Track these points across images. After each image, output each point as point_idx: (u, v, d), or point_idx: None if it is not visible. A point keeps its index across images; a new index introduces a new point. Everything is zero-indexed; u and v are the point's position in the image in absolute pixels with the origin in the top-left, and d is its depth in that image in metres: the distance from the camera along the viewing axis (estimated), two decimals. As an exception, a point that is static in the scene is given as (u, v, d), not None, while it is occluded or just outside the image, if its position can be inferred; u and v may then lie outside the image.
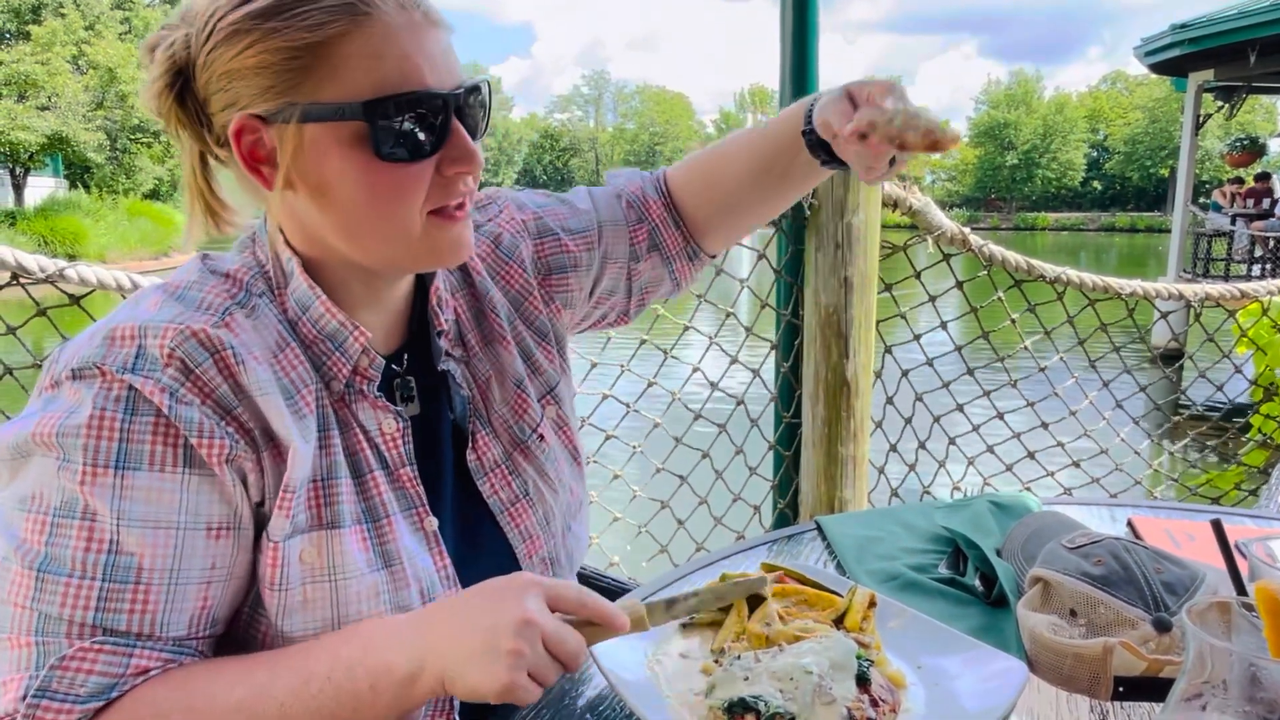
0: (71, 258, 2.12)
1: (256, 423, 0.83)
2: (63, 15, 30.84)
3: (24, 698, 0.73)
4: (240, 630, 0.90)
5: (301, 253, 0.91)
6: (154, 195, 37.24)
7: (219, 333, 0.82)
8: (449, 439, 1.02)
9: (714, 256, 1.29)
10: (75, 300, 2.16)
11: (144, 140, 34.14)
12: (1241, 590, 0.79)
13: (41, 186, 31.04)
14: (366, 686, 0.78)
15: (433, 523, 0.96)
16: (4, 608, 0.76)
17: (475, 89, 0.87)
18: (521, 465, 1.06)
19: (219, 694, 0.78)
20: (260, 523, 0.86)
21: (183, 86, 0.86)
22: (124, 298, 2.14)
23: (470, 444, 1.03)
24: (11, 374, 2.16)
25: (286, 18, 0.80)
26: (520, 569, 1.04)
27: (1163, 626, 0.94)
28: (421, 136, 0.83)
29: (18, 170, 29.07)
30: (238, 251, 0.94)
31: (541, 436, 1.08)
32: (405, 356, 1.00)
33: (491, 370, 1.06)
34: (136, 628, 0.78)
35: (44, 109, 28.27)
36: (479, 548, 1.02)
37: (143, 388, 0.78)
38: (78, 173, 32.96)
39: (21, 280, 2.05)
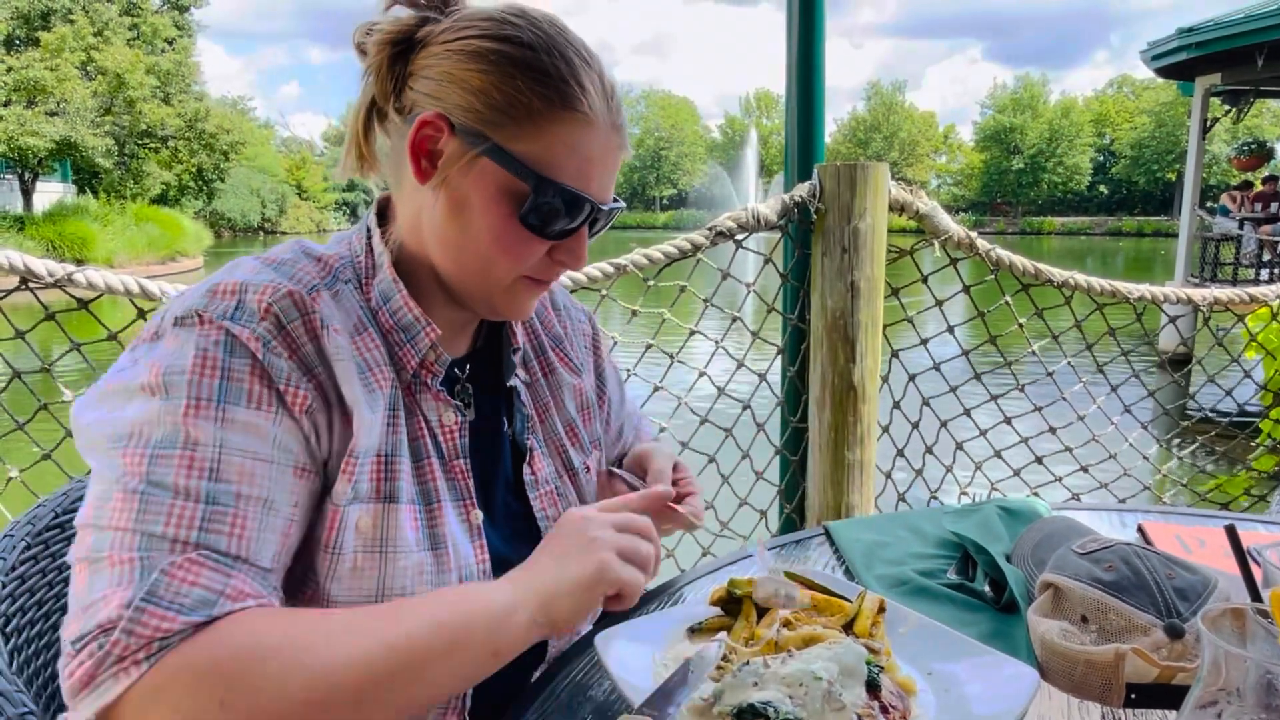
0: (79, 262, 2.13)
1: (331, 386, 0.89)
2: (72, 21, 31.01)
3: (128, 605, 0.73)
4: (290, 590, 0.91)
5: (400, 246, 0.98)
6: (161, 200, 37.46)
7: (310, 298, 0.89)
8: (508, 451, 1.09)
9: None
10: (83, 304, 2.16)
11: (151, 145, 34.32)
12: (1256, 596, 0.78)
13: (50, 192, 31.22)
14: (467, 622, 0.81)
15: (478, 515, 1.00)
16: (104, 533, 0.77)
17: (612, 212, 0.99)
18: (568, 490, 1.14)
19: (319, 626, 0.78)
20: (323, 483, 0.90)
21: (404, 50, 0.94)
22: (132, 302, 2.14)
23: (528, 459, 1.10)
24: (20, 378, 2.16)
25: (528, 75, 0.89)
26: None
27: (1175, 633, 0.93)
28: (557, 223, 0.93)
29: (26, 175, 29.23)
30: (336, 242, 1.01)
31: (588, 469, 1.17)
32: (467, 366, 1.06)
33: (551, 399, 1.16)
34: (235, 550, 0.79)
35: (53, 114, 28.45)
36: (520, 555, 1.05)
37: (240, 334, 0.84)
38: (86, 178, 33.13)
39: (30, 285, 2.06)
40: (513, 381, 1.10)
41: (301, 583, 0.91)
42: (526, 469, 1.09)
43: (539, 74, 0.89)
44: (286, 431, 0.85)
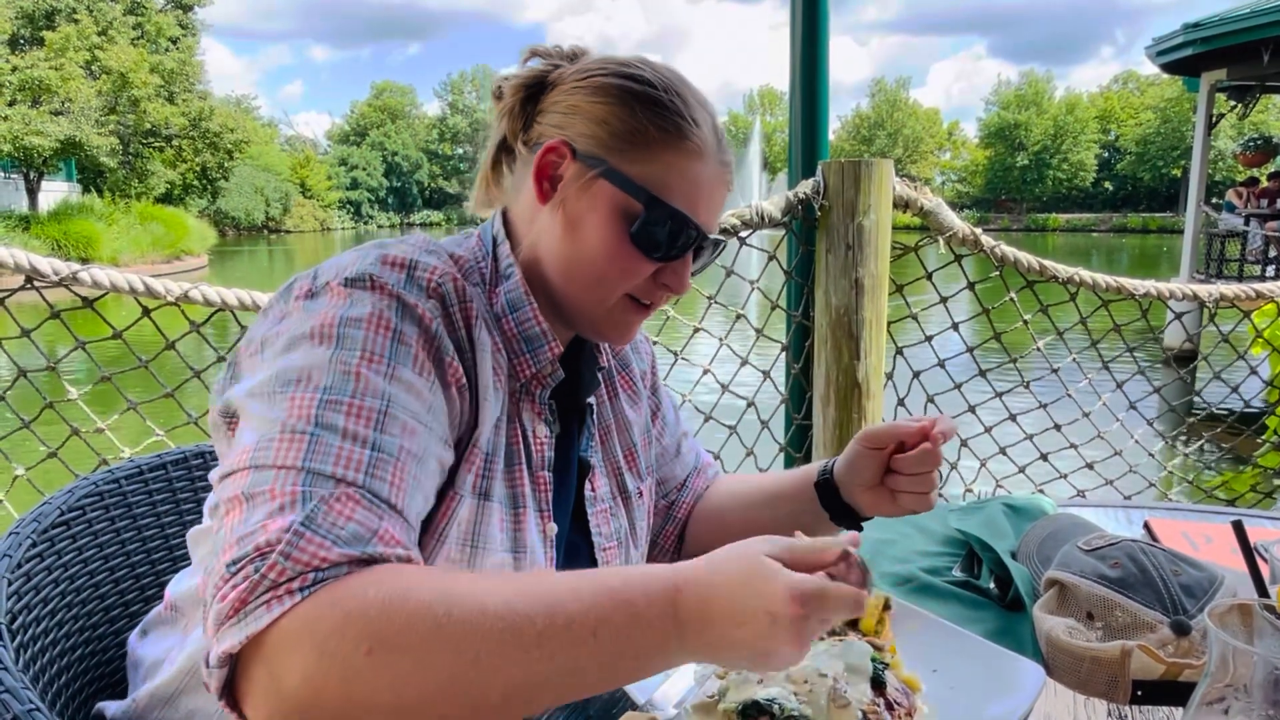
0: (84, 261, 2.13)
1: (474, 373, 0.92)
2: (76, 21, 31.07)
3: (288, 529, 0.71)
4: None
5: (522, 262, 1.02)
6: (166, 199, 37.56)
7: (469, 287, 0.93)
8: (575, 467, 1.11)
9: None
10: (88, 303, 2.17)
11: (156, 144, 34.40)
12: (1264, 592, 0.78)
13: (55, 191, 31.30)
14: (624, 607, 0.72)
15: (553, 528, 1.02)
16: (265, 471, 0.75)
17: (717, 243, 1.04)
18: (621, 511, 1.16)
19: (471, 588, 0.73)
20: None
21: (535, 94, 1.03)
22: (137, 300, 2.15)
23: (589, 475, 1.12)
24: (25, 376, 2.17)
25: (646, 107, 0.96)
26: None
27: (1181, 630, 0.93)
28: (665, 244, 0.97)
29: (32, 175, 29.30)
30: (455, 245, 1.03)
31: (641, 494, 1.19)
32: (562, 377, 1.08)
33: (614, 421, 1.18)
34: (393, 499, 0.78)
35: (57, 114, 28.50)
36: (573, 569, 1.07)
37: (412, 304, 0.87)
38: (91, 177, 33.22)
39: (35, 283, 2.06)
40: (591, 399, 1.13)
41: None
42: (587, 485, 1.11)
43: (657, 106, 0.96)
44: (441, 402, 0.87)
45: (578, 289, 1.00)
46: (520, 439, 1.00)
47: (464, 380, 0.90)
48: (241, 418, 0.84)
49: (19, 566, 1.01)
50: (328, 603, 0.69)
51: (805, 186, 2.53)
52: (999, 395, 2.96)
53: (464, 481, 0.92)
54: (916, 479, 1.07)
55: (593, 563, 1.10)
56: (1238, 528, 0.75)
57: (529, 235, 1.02)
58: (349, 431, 0.78)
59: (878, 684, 0.84)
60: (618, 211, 0.96)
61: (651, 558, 1.29)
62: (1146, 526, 1.40)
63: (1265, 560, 0.86)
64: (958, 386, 2.92)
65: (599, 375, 1.16)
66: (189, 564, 1.05)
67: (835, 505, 1.16)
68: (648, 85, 0.97)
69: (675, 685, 0.92)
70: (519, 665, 0.69)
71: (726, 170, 1.02)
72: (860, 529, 1.19)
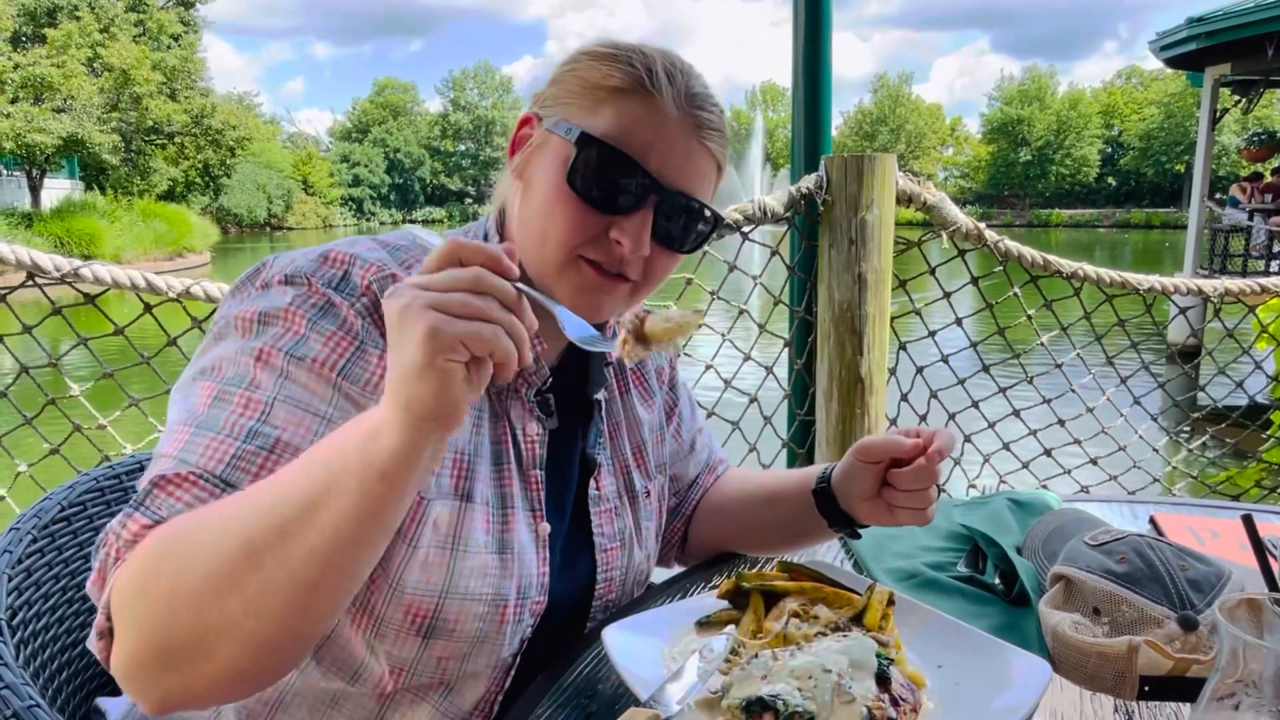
0: (87, 259, 2.12)
1: None
2: (78, 18, 31.06)
3: (128, 513, 0.80)
4: None
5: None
6: (168, 196, 37.58)
7: None
8: (577, 465, 1.10)
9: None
10: (90, 299, 2.17)
11: (158, 142, 34.40)
12: (1274, 587, 0.77)
13: (58, 188, 31.30)
14: (342, 449, 0.73)
15: (546, 528, 1.01)
16: (158, 460, 0.82)
17: (688, 203, 0.94)
18: (626, 511, 1.14)
19: (221, 504, 0.79)
20: None
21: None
22: (139, 296, 2.14)
23: (595, 474, 1.11)
24: (28, 372, 2.17)
25: (603, 63, 0.94)
26: (593, 601, 1.10)
27: (1189, 625, 0.92)
28: (607, 192, 0.91)
29: (34, 172, 29.31)
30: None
31: (648, 494, 1.18)
32: (548, 379, 1.05)
33: (624, 418, 1.17)
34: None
35: (60, 111, 28.50)
36: (572, 569, 1.07)
37: (338, 303, 0.88)
38: (93, 174, 33.23)
39: (37, 280, 2.06)
40: (598, 395, 1.11)
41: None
42: (592, 483, 1.10)
43: (612, 61, 0.94)
44: (346, 397, 0.86)
45: (533, 255, 0.95)
46: (509, 438, 0.99)
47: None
48: (169, 405, 0.89)
49: (19, 562, 1.00)
50: (124, 568, 0.77)
51: (808, 181, 2.52)
52: (1002, 390, 2.95)
53: (435, 485, 0.91)
54: (912, 495, 1.06)
55: (594, 564, 1.09)
56: (1248, 522, 0.74)
57: (507, 209, 1.02)
58: (228, 423, 0.82)
59: (883, 680, 0.83)
60: (558, 159, 0.93)
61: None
62: (1153, 521, 1.39)
63: (1275, 557, 0.85)
64: (961, 382, 2.91)
65: (608, 371, 1.14)
66: None
67: (833, 513, 1.15)
68: (609, 47, 0.97)
69: (679, 682, 0.92)
70: (263, 530, 0.72)
71: (691, 117, 0.94)
72: (859, 536, 1.19)
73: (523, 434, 1.00)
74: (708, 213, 0.96)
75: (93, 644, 0.78)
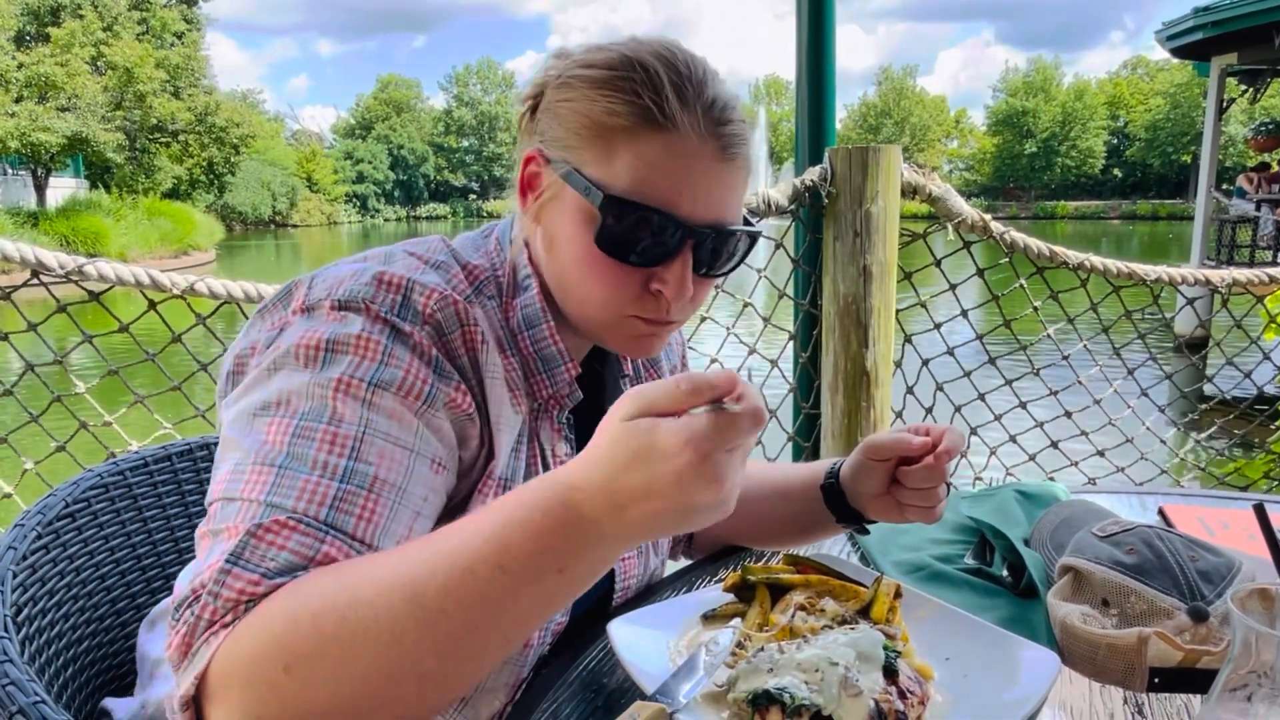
0: (93, 257, 2.13)
1: (482, 401, 0.89)
2: (81, 17, 31.13)
3: (219, 566, 0.71)
4: None
5: (539, 274, 0.96)
6: (173, 194, 37.65)
7: (473, 310, 0.88)
8: None
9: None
10: (95, 296, 2.17)
11: (162, 140, 34.45)
12: (1285, 578, 0.76)
13: (63, 187, 31.42)
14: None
15: None
16: (234, 504, 0.74)
17: (728, 233, 0.89)
18: None
19: (370, 568, 0.71)
20: (455, 489, 0.89)
21: (537, 105, 0.93)
22: (143, 294, 2.14)
23: None
24: (33, 370, 2.17)
25: (606, 94, 0.85)
26: (609, 608, 1.09)
27: (1199, 616, 0.91)
28: (639, 246, 0.86)
29: (39, 171, 29.40)
30: (473, 249, 0.98)
31: None
32: (581, 397, 1.03)
33: None
34: (360, 534, 0.76)
35: (64, 110, 28.56)
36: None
37: (405, 330, 0.83)
38: (98, 173, 33.32)
39: (42, 278, 2.06)
40: None
41: None
42: None
43: (616, 91, 0.85)
44: (430, 427, 0.83)
45: (573, 309, 0.93)
46: (539, 459, 0.97)
47: (471, 407, 0.86)
48: (221, 442, 0.82)
49: (24, 559, 1.00)
50: (244, 634, 0.68)
51: (812, 173, 2.51)
52: (1009, 382, 2.94)
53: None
54: (921, 493, 1.05)
55: (611, 575, 1.08)
56: (1259, 511, 0.73)
57: (531, 246, 0.97)
58: (318, 462, 0.76)
59: (890, 672, 0.83)
60: (582, 218, 0.87)
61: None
62: (1161, 512, 1.39)
63: (1285, 545, 0.84)
64: (967, 374, 2.90)
65: (624, 383, 1.12)
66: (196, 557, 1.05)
67: (841, 508, 1.15)
68: (607, 69, 0.86)
69: (685, 676, 0.91)
70: (437, 625, 0.66)
71: (717, 140, 0.86)
72: (867, 532, 1.19)
73: (552, 454, 0.98)
74: (746, 236, 0.93)
75: (174, 713, 0.70)
